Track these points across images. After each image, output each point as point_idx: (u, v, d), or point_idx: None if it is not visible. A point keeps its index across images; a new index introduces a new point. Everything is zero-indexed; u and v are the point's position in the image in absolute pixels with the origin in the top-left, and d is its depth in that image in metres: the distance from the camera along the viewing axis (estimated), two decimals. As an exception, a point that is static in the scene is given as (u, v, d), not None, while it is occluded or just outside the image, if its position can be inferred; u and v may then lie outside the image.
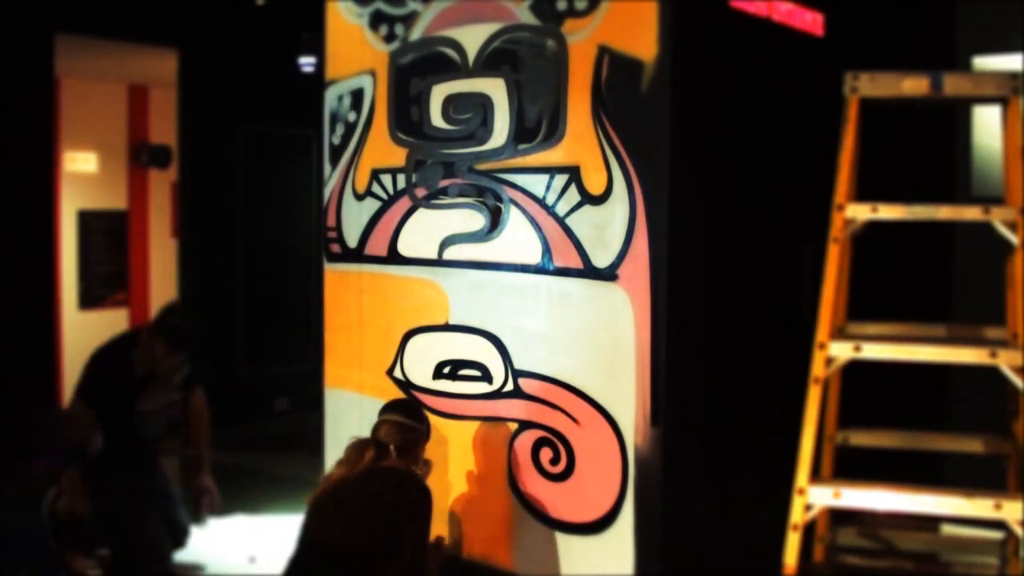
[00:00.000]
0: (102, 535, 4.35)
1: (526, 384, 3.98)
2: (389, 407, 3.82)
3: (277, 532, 5.04)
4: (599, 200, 3.76)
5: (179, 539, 4.66)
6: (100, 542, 4.36)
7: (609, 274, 3.75)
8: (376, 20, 4.35)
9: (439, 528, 4.24)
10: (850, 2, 4.62)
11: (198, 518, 4.65)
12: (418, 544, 3.50)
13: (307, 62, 7.01)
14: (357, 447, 3.63)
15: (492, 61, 4.01)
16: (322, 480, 3.68)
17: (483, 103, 4.04)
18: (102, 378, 4.58)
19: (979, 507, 3.14)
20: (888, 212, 3.35)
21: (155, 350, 4.56)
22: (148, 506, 4.54)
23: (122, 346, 4.71)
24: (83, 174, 7.90)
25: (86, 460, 4.32)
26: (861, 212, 3.36)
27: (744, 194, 4.10)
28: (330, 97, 4.54)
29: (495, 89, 4.01)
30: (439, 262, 4.19)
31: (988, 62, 4.88)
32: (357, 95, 4.42)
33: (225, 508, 4.87)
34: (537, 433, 3.96)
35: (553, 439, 3.91)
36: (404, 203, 4.28)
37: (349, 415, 4.51)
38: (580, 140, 3.80)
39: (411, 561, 3.45)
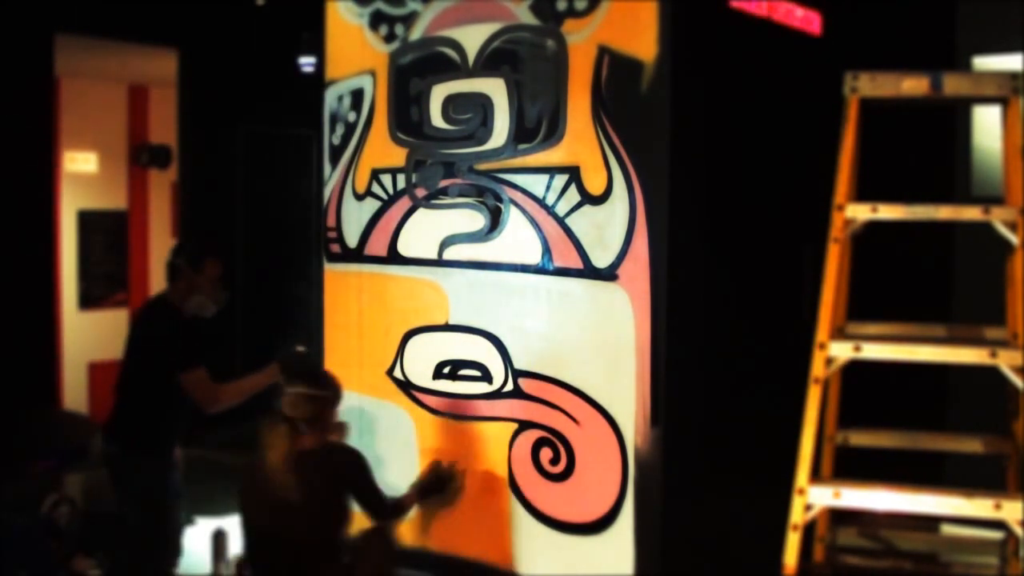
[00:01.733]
0: (133, 524, 4.24)
1: (526, 384, 3.98)
2: (291, 378, 3.74)
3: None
4: (599, 200, 3.76)
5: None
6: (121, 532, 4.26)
7: (609, 274, 3.75)
8: (376, 20, 4.35)
9: (437, 527, 4.24)
10: (850, 2, 4.62)
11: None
12: (369, 493, 3.72)
13: (307, 62, 7.00)
14: (269, 429, 3.60)
15: (492, 61, 4.01)
16: (247, 468, 3.71)
17: (483, 103, 4.04)
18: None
19: (979, 507, 3.14)
20: (888, 212, 3.35)
21: None
22: (178, 497, 4.43)
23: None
24: (83, 174, 7.90)
25: (87, 460, 4.31)
26: (861, 212, 3.36)
27: (744, 194, 4.10)
28: (330, 97, 4.53)
29: (495, 89, 4.01)
30: (439, 262, 4.19)
31: (988, 62, 4.88)
32: (357, 95, 4.42)
33: (224, 508, 4.86)
34: (537, 433, 3.95)
35: (553, 439, 3.91)
36: (404, 203, 4.28)
37: (349, 415, 4.50)
38: (580, 140, 3.80)
39: (374, 507, 3.75)
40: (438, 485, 4.11)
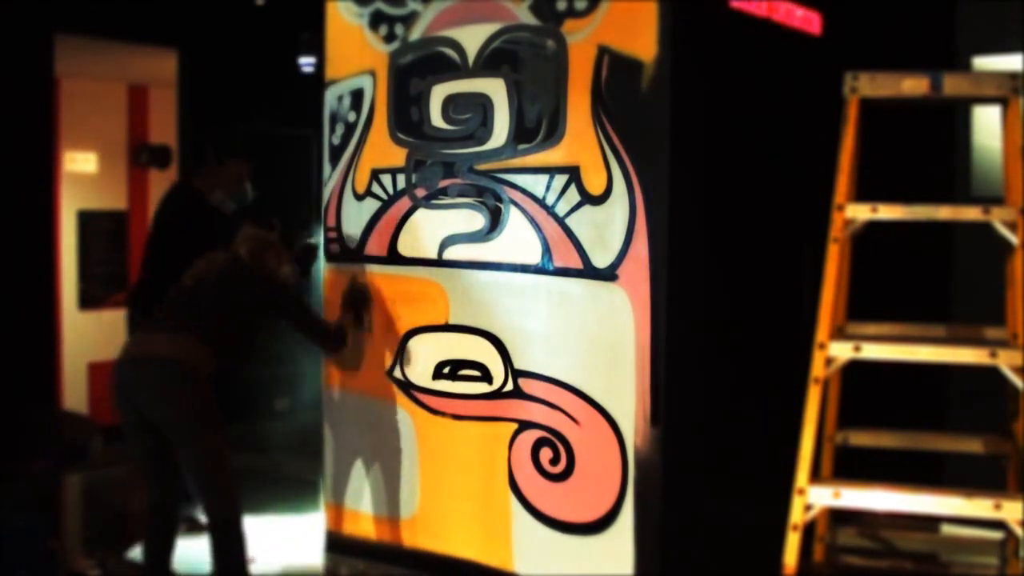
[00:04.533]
0: None
1: (526, 384, 3.98)
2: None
3: (277, 532, 5.04)
4: (599, 200, 3.76)
5: None
6: None
7: (609, 274, 3.75)
8: (376, 20, 4.35)
9: (437, 527, 4.24)
10: (850, 2, 4.62)
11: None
12: (299, 313, 4.13)
13: (307, 62, 7.00)
14: (208, 256, 4.10)
15: (492, 61, 4.01)
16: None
17: (483, 103, 4.04)
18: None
19: (979, 507, 3.14)
20: (888, 212, 3.35)
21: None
22: None
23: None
24: (83, 174, 7.89)
25: (87, 460, 4.32)
26: (861, 212, 3.37)
27: (744, 194, 4.10)
28: (330, 97, 4.54)
29: (495, 89, 4.01)
30: (439, 262, 4.19)
31: (988, 62, 4.88)
32: (357, 95, 4.42)
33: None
34: (537, 433, 3.96)
35: (553, 439, 3.91)
36: (404, 203, 4.28)
37: (349, 415, 4.51)
38: (580, 140, 3.80)
39: (309, 327, 4.15)
40: (356, 297, 4.34)
